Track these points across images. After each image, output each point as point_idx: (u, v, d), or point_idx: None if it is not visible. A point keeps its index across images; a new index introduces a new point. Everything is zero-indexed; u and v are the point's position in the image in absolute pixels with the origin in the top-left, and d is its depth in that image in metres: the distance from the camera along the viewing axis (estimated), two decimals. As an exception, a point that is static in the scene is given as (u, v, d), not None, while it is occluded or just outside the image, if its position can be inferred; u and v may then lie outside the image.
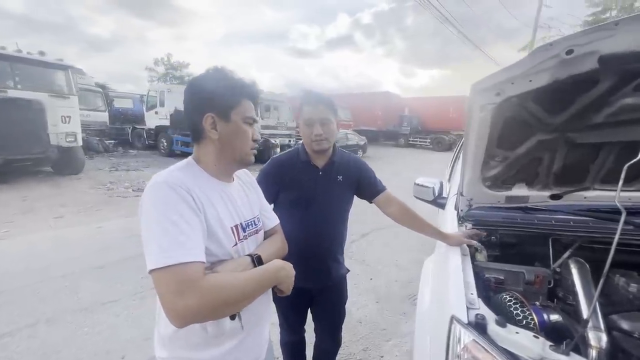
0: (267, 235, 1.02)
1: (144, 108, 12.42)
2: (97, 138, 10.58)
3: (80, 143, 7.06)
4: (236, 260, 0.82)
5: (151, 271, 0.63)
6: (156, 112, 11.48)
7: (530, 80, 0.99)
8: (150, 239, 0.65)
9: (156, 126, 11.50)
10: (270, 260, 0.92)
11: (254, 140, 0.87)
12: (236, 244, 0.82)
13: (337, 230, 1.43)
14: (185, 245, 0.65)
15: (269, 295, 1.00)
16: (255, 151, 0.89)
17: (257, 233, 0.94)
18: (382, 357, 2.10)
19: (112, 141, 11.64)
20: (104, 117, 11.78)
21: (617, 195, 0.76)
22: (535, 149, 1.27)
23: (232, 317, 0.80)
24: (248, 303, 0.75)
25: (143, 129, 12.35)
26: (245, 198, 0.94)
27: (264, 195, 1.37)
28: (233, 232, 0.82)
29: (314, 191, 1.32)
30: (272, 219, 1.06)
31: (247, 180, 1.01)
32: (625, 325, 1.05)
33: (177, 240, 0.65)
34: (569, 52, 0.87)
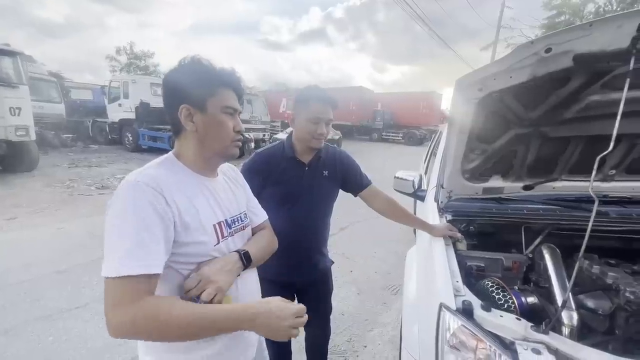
0: (256, 231, 1.00)
1: (106, 100, 11.59)
2: (53, 132, 9.74)
3: (34, 137, 6.44)
4: (223, 258, 0.80)
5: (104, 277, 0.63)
6: (120, 105, 10.76)
7: (511, 77, 1.04)
8: (108, 243, 0.64)
9: (120, 119, 10.79)
10: (258, 256, 0.91)
11: (237, 132, 0.82)
12: (219, 243, 0.80)
13: (322, 224, 1.44)
14: (138, 257, 0.63)
15: (258, 291, 0.99)
16: (239, 143, 0.84)
17: (243, 229, 0.92)
18: (365, 346, 2.15)
19: (70, 135, 10.78)
20: (59, 109, 10.81)
21: (591, 185, 0.83)
22: (512, 142, 1.34)
23: None
24: (195, 339, 0.69)
25: (105, 122, 11.53)
26: (230, 193, 0.91)
27: None
28: (216, 230, 0.79)
29: (300, 187, 1.32)
30: (259, 215, 1.04)
31: (232, 176, 0.98)
32: (590, 304, 1.15)
33: (132, 250, 0.63)
34: (548, 50, 0.93)
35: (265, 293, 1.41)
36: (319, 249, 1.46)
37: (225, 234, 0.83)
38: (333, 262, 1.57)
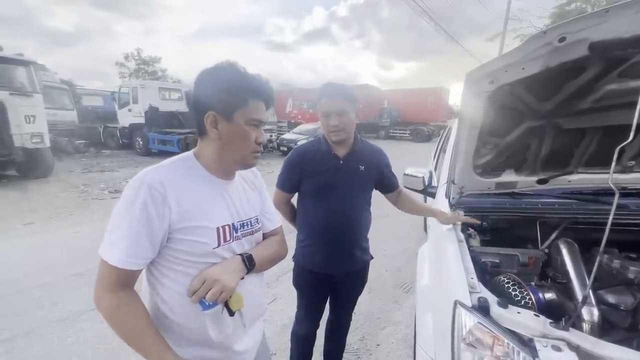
0: (267, 237, 1.00)
1: (116, 105, 11.80)
2: (66, 138, 9.94)
3: (48, 144, 6.61)
4: (225, 260, 0.80)
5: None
6: (129, 110, 10.94)
7: (523, 68, 1.01)
8: (108, 227, 0.72)
9: (130, 124, 10.97)
10: (264, 261, 0.91)
11: (258, 144, 0.82)
12: (218, 246, 0.79)
13: (360, 218, 1.45)
14: (121, 249, 0.70)
15: (261, 296, 0.97)
16: (258, 154, 0.85)
17: (252, 234, 0.91)
18: (378, 345, 2.14)
19: (83, 141, 11.00)
20: (72, 115, 11.06)
21: (611, 177, 0.80)
22: (525, 135, 1.31)
23: (232, 314, 0.80)
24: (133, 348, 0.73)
25: (116, 127, 11.75)
26: (244, 197, 0.90)
27: (287, 184, 1.42)
28: (218, 233, 0.79)
29: (335, 180, 1.35)
30: (273, 221, 1.02)
31: (250, 179, 0.97)
32: (612, 299, 1.11)
33: (119, 242, 0.70)
34: (562, 39, 0.90)
35: (307, 283, 1.48)
36: (359, 243, 1.48)
37: (229, 238, 0.82)
38: (372, 257, 1.60)
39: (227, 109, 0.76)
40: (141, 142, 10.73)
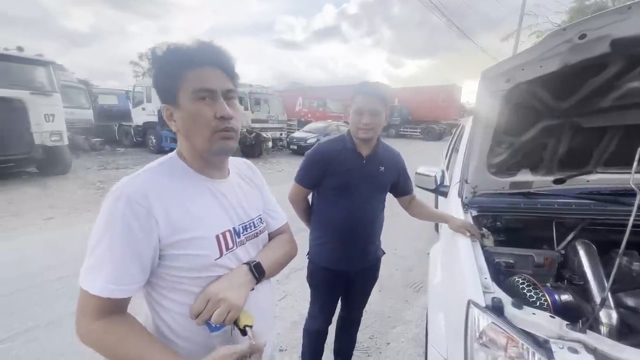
0: (274, 236, 0.90)
1: (130, 104, 12.06)
2: (83, 136, 10.24)
3: (66, 142, 6.81)
4: (230, 273, 0.70)
5: None
6: (143, 109, 11.16)
7: (541, 66, 1.00)
8: (87, 250, 0.62)
9: (144, 122, 11.20)
10: (274, 266, 0.81)
11: (220, 118, 0.65)
12: (221, 256, 0.69)
13: (376, 217, 1.48)
14: (104, 274, 0.60)
15: (271, 308, 0.87)
16: (229, 133, 0.68)
17: (257, 236, 0.81)
18: (388, 343, 2.14)
19: (99, 139, 11.30)
20: (88, 114, 11.38)
21: (632, 177, 0.78)
22: (541, 134, 1.29)
23: (244, 333, 0.67)
24: None
25: (130, 125, 12.02)
26: (242, 196, 0.80)
27: (307, 179, 1.41)
28: (219, 242, 0.70)
29: (358, 178, 1.36)
30: (278, 219, 0.93)
31: (248, 175, 0.87)
32: (631, 302, 1.09)
33: (99, 266, 0.60)
34: (582, 36, 0.88)
35: (322, 280, 1.47)
36: (373, 240, 1.51)
37: (231, 245, 0.72)
38: (384, 253, 1.61)
39: (169, 95, 0.66)
40: (154, 140, 10.95)
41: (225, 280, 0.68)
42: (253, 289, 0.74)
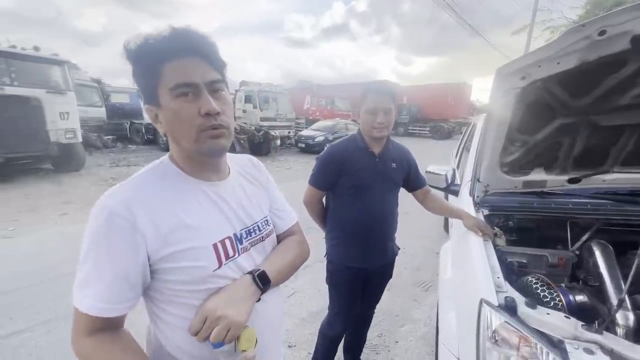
0: (282, 238, 0.83)
1: (141, 102, 12.25)
2: (96, 134, 10.47)
3: (80, 139, 6.97)
4: (231, 285, 0.64)
5: None
6: (153, 107, 11.37)
7: (558, 63, 0.98)
8: (78, 264, 0.59)
9: (154, 121, 11.41)
10: (281, 274, 0.74)
11: (205, 115, 0.58)
12: (220, 267, 0.64)
13: (392, 213, 1.49)
14: (93, 292, 0.57)
15: (280, 319, 0.81)
16: (218, 131, 0.60)
17: (262, 241, 0.75)
18: (397, 342, 2.14)
19: (111, 137, 11.53)
20: (101, 112, 11.62)
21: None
22: (557, 133, 1.27)
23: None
24: None
25: (141, 123, 12.23)
26: (244, 197, 0.74)
27: (321, 181, 1.41)
28: (217, 250, 0.64)
29: (373, 176, 1.37)
30: (286, 219, 0.85)
31: (251, 173, 0.81)
32: (649, 304, 1.06)
33: (87, 283, 0.57)
34: (602, 32, 0.86)
35: (344, 280, 1.47)
36: (391, 236, 1.52)
37: (232, 253, 0.66)
38: (399, 249, 1.62)
39: (149, 94, 0.60)
40: (164, 138, 11.04)
41: (224, 294, 0.63)
42: (259, 300, 0.68)
